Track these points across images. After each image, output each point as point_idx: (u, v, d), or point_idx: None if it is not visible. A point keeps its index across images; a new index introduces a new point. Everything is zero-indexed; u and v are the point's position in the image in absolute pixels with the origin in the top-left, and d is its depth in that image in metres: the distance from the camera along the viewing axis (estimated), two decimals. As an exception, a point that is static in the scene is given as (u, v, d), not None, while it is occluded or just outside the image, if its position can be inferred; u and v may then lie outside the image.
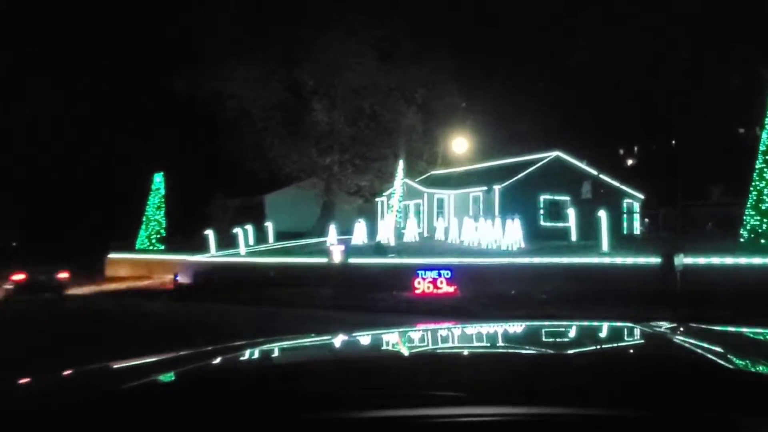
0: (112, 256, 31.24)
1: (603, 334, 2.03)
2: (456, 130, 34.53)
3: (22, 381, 1.46)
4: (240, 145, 30.61)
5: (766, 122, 17.86)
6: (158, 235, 32.91)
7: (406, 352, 1.84)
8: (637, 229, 28.18)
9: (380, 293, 16.54)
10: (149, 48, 33.88)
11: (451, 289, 16.06)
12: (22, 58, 29.53)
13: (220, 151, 31.15)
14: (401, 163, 28.08)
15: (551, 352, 1.73)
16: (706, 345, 1.57)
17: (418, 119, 32.26)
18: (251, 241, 27.59)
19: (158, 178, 33.39)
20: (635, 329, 1.94)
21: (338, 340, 1.91)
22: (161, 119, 35.11)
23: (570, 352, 1.78)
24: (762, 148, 17.73)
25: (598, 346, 1.87)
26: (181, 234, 32.00)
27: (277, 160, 31.74)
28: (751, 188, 17.75)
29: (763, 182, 17.36)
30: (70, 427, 1.12)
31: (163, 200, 33.35)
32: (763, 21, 24.12)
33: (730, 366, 1.38)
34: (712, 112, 29.65)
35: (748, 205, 17.76)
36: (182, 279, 23.74)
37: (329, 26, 29.21)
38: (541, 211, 26.06)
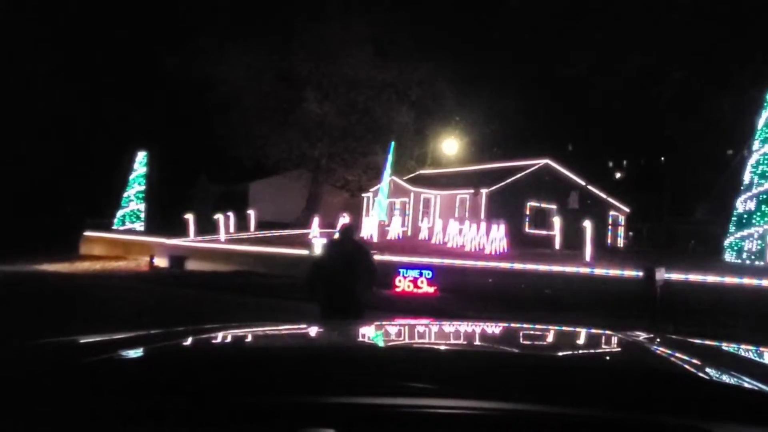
0: (88, 233, 30.65)
1: (578, 339, 2.03)
2: (447, 131, 34.52)
3: None
4: (228, 130, 30.13)
5: (753, 144, 18.02)
6: (137, 215, 32.44)
7: (377, 344, 1.84)
8: (621, 241, 28.35)
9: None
10: (141, 24, 33.33)
11: (431, 290, 15.96)
12: (5, 27, 28.77)
13: (207, 134, 30.67)
14: (390, 160, 27.94)
15: (524, 352, 1.72)
16: (679, 355, 1.58)
17: (410, 117, 32.11)
18: (232, 229, 27.28)
19: (141, 157, 32.87)
20: (612, 336, 1.95)
21: (310, 329, 1.91)
22: (148, 97, 34.58)
23: (543, 353, 1.76)
24: (748, 169, 17.86)
25: (573, 350, 1.87)
26: (161, 216, 31.53)
27: (265, 148, 31.38)
28: (734, 209, 17.93)
29: (745, 203, 17.51)
30: (30, 395, 1.15)
31: (144, 180, 32.84)
32: (756, 44, 24.35)
33: (701, 375, 1.40)
34: (703, 132, 29.90)
35: (731, 225, 17.93)
36: (158, 262, 23.42)
37: (326, 17, 28.97)
38: (527, 218, 26.11)
